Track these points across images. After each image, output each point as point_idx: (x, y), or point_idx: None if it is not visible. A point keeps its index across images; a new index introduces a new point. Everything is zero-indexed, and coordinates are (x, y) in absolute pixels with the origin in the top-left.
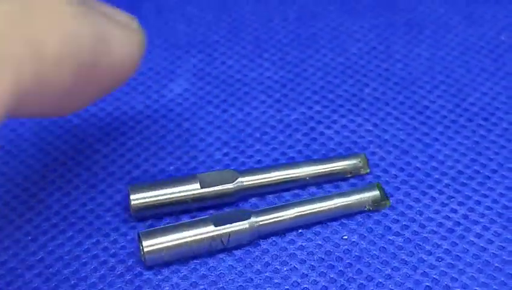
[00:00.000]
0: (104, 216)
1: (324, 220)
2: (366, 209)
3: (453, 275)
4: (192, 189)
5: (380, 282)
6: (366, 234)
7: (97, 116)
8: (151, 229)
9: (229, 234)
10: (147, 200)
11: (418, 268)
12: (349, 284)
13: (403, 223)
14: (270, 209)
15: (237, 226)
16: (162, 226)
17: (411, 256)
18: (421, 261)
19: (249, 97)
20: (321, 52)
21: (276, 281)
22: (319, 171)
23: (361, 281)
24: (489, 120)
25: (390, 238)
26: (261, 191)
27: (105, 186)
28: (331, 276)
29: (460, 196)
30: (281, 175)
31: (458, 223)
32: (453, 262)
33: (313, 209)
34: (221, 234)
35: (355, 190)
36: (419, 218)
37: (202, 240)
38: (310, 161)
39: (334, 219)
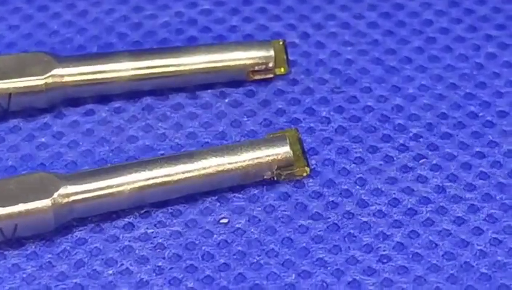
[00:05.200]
0: None
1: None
2: (268, 177)
3: None
4: None
5: None
6: (261, 216)
7: None
8: None
9: (15, 223)
10: None
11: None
12: None
13: (330, 198)
14: (91, 173)
15: (31, 205)
16: None
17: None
18: None
19: None
20: None
21: None
22: (210, 65)
23: None
24: None
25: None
26: (101, 90)
27: None
28: None
29: None
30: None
31: None
32: None
33: (170, 176)
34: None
35: (251, 142)
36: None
37: None
38: (198, 46)
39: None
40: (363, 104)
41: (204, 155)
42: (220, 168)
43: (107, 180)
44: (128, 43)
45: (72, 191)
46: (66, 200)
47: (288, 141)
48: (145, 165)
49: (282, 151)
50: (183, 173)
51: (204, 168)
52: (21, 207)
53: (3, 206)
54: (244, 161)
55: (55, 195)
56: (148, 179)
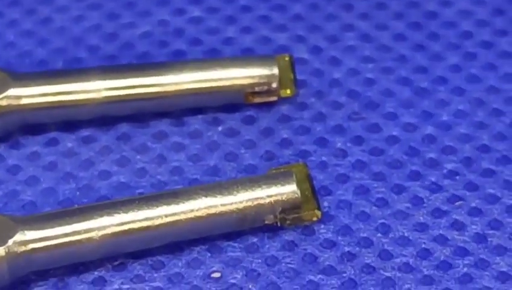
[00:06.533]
0: None
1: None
2: (271, 222)
3: None
4: None
5: None
6: (261, 270)
7: None
8: None
9: None
10: None
11: None
12: None
13: (346, 248)
14: (54, 216)
15: None
16: None
17: None
18: None
19: None
20: None
21: None
22: (200, 85)
23: None
24: None
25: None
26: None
27: None
28: None
29: None
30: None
31: None
32: None
33: (150, 221)
34: None
35: (250, 179)
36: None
37: None
38: (186, 62)
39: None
40: (387, 134)
41: (192, 195)
42: (212, 211)
43: (73, 225)
44: (100, 57)
45: (31, 238)
46: (23, 248)
47: (295, 177)
48: (120, 207)
49: (288, 190)
50: (166, 216)
51: (192, 211)
52: None
53: None
54: (241, 202)
55: (10, 242)
56: (124, 223)
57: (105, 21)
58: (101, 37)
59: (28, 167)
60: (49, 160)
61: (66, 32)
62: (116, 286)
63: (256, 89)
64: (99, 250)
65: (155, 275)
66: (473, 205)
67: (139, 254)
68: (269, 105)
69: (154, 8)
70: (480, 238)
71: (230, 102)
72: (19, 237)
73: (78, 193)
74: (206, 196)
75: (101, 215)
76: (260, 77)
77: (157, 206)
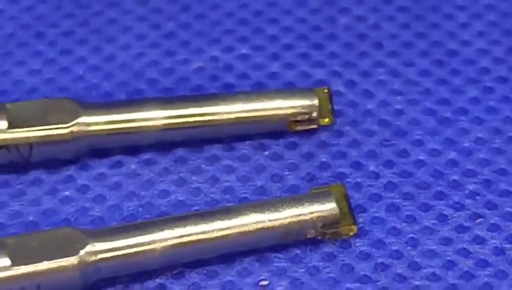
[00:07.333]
0: None
1: (227, 253)
2: (312, 236)
3: None
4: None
5: None
6: (304, 278)
7: None
8: None
9: (38, 283)
10: None
11: None
12: None
13: (379, 259)
14: (120, 230)
15: (56, 264)
16: None
17: None
18: None
19: None
20: None
21: None
22: (248, 114)
23: None
24: None
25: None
26: (128, 140)
27: None
28: None
29: None
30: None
31: None
32: None
33: (206, 234)
34: (26, 281)
35: (294, 198)
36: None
37: None
38: (235, 94)
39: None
40: (415, 158)
41: (242, 211)
42: (260, 226)
43: (137, 238)
44: (159, 89)
45: (100, 249)
46: (93, 258)
47: (333, 196)
48: (178, 222)
49: (328, 207)
50: (219, 230)
51: (242, 225)
52: (45, 265)
53: (26, 264)
54: (285, 218)
55: (82, 253)
56: (182, 236)
57: (163, 58)
58: (159, 71)
59: (96, 186)
60: (114, 180)
61: (128, 67)
62: None
63: (299, 117)
64: (160, 260)
65: (210, 282)
66: (492, 221)
67: (196, 263)
68: (310, 132)
69: (206, 46)
70: (499, 251)
71: (275, 129)
72: (89, 248)
73: (140, 209)
74: (254, 213)
75: (162, 229)
76: (302, 107)
77: (212, 221)
